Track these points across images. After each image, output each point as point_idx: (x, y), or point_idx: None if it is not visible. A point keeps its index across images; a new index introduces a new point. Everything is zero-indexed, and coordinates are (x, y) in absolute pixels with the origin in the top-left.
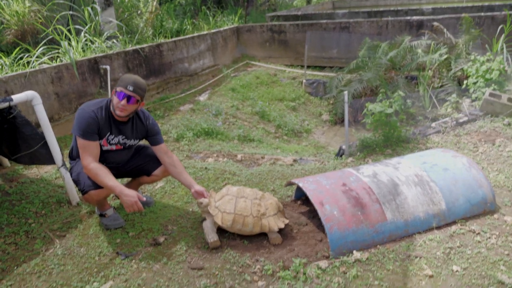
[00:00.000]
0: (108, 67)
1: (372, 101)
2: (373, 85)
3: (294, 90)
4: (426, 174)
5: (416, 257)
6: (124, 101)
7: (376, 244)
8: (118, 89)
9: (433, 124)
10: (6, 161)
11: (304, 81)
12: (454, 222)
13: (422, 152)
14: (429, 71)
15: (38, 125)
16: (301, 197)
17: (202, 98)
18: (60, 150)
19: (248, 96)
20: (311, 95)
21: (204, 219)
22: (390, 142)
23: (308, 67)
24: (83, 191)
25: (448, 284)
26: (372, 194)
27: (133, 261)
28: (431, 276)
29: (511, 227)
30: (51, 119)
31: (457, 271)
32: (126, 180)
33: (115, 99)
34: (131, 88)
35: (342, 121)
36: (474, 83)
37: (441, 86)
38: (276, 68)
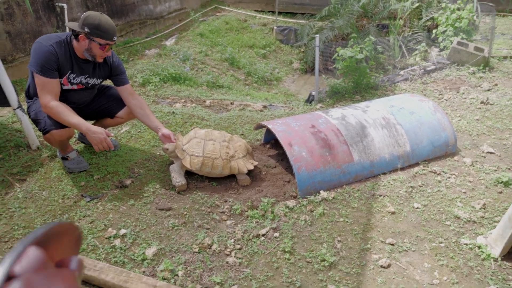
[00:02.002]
0: (65, 5)
1: (343, 47)
2: (344, 33)
3: (265, 37)
4: (393, 117)
5: (380, 195)
6: (109, 52)
7: (342, 184)
8: (102, 41)
9: (402, 72)
10: None
11: (275, 27)
12: (417, 164)
13: (390, 97)
14: (400, 20)
15: None
16: (270, 141)
17: (169, 43)
18: (16, 92)
19: (217, 42)
20: (282, 42)
21: (172, 162)
22: (360, 88)
23: (280, 13)
24: (44, 131)
25: (409, 220)
26: (340, 136)
27: (99, 203)
28: (393, 213)
29: (469, 168)
30: (3, 61)
31: (417, 207)
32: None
33: (96, 50)
34: (115, 39)
35: (313, 69)
36: (443, 32)
37: (411, 35)
38: (247, 13)
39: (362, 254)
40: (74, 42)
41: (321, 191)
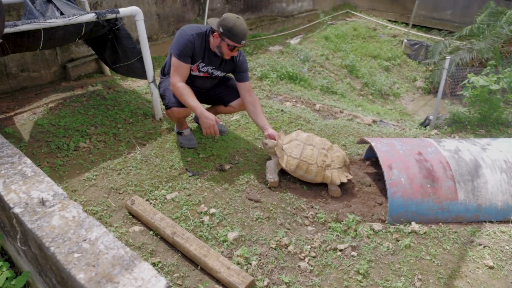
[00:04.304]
0: None
1: (477, 73)
2: (483, 57)
3: (392, 49)
4: None
5: (480, 245)
6: (236, 53)
7: (438, 221)
8: (231, 43)
9: None
10: (107, 70)
11: (405, 40)
12: None
13: None
14: None
15: (137, 41)
16: (371, 158)
17: (293, 41)
18: (153, 67)
19: (340, 47)
20: (409, 57)
21: (269, 158)
22: (486, 122)
23: (414, 26)
24: (167, 106)
25: (508, 280)
26: (448, 170)
27: (198, 180)
28: (491, 267)
29: None
30: (149, 38)
31: None
32: (204, 106)
33: (225, 49)
34: (243, 43)
35: (437, 91)
36: None
37: None
38: (378, 22)
39: None
40: (210, 37)
41: (413, 223)
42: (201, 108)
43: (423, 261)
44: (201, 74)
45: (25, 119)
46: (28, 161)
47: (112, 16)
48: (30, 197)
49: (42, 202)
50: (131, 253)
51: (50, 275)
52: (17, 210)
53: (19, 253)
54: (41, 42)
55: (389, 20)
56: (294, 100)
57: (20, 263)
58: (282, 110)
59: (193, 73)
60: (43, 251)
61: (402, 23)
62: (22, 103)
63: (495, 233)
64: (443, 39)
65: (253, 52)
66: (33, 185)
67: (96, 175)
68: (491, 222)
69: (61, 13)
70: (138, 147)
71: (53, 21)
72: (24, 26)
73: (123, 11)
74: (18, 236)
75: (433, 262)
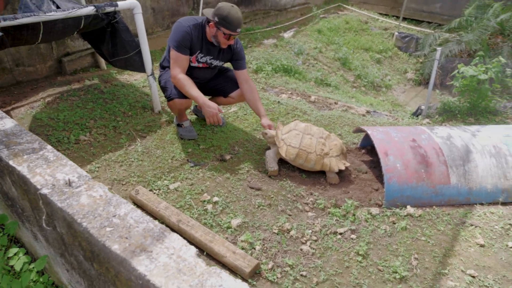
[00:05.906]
0: None
1: (466, 64)
2: (471, 49)
3: (383, 42)
4: (506, 148)
5: (472, 225)
6: (232, 41)
7: (432, 205)
8: (226, 32)
9: None
10: (103, 64)
11: (396, 33)
12: None
13: (508, 125)
14: None
15: (135, 35)
16: (367, 146)
17: (287, 35)
18: (151, 61)
19: (333, 40)
20: (400, 49)
21: (269, 147)
22: (475, 111)
23: (404, 19)
24: (168, 98)
25: (499, 257)
26: (440, 156)
27: (200, 170)
28: (482, 246)
29: None
30: None
31: None
32: None
33: (221, 38)
34: (239, 30)
35: (427, 82)
36: None
37: None
38: (369, 15)
39: (438, 277)
40: (207, 27)
41: (408, 206)
42: (203, 98)
43: (418, 242)
44: (201, 65)
45: (22, 113)
46: (49, 146)
47: (111, 9)
48: (56, 179)
49: (69, 183)
50: (160, 226)
51: (76, 253)
52: (44, 191)
53: (37, 239)
54: (40, 35)
55: (380, 13)
56: (289, 92)
57: (36, 248)
58: (278, 102)
59: (192, 64)
60: (72, 228)
61: (393, 16)
62: (18, 97)
63: (485, 214)
64: (433, 31)
65: (248, 46)
66: (57, 168)
67: (98, 167)
68: (482, 204)
69: (58, 7)
70: (138, 139)
71: (53, 14)
72: (24, 19)
73: (122, 4)
74: (43, 217)
75: (428, 242)
